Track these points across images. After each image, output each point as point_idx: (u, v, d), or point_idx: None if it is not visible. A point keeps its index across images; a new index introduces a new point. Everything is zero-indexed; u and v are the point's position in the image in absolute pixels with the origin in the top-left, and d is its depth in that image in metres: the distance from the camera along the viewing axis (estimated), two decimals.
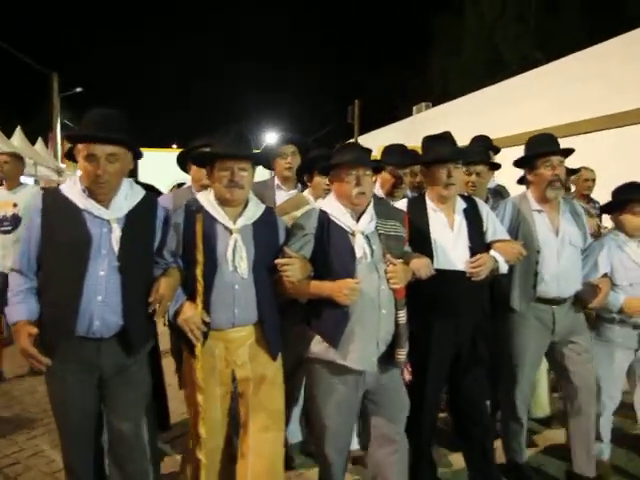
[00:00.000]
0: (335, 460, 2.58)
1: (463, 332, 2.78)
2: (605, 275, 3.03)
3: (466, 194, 3.15)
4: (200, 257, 2.31)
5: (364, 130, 22.04)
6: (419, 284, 2.57)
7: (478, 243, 2.80)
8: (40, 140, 19.19)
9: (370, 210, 2.53)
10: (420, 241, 2.72)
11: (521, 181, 3.27)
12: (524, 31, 26.68)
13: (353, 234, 2.45)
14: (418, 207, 2.84)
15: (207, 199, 2.43)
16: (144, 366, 2.39)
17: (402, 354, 2.46)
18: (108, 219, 2.24)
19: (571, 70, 11.15)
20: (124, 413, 2.33)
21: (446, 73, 28.93)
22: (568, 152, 3.01)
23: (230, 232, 2.37)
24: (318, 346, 2.47)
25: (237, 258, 2.35)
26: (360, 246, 2.43)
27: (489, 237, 2.86)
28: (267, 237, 2.47)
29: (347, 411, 2.52)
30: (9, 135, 17.61)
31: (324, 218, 2.49)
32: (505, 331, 3.05)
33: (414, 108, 17.76)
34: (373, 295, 2.40)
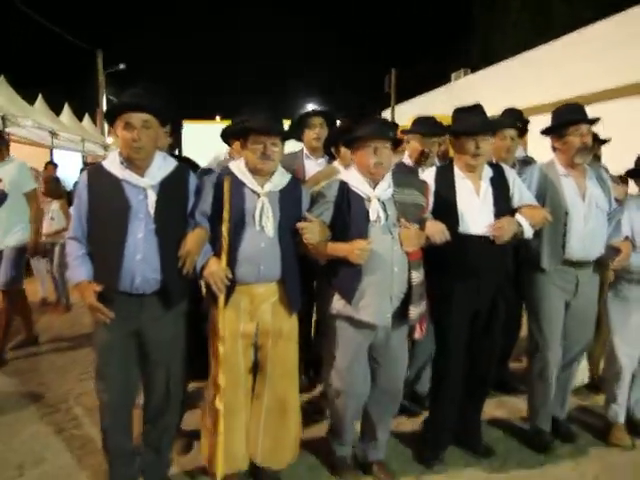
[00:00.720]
0: (352, 410, 2.79)
1: (484, 293, 2.87)
2: (627, 238, 3.06)
3: (494, 160, 3.25)
4: (227, 215, 2.49)
5: (402, 98, 21.74)
6: (445, 248, 2.69)
7: (504, 209, 2.87)
8: (87, 116, 19.79)
9: (388, 178, 2.67)
10: (446, 207, 2.83)
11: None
12: None
13: (369, 200, 2.60)
14: (446, 175, 2.93)
15: (237, 167, 2.63)
16: (179, 320, 2.61)
17: (414, 311, 2.61)
18: (144, 187, 2.49)
19: (619, 31, 10.66)
20: (158, 358, 2.57)
21: (489, 38, 28.04)
22: (594, 121, 3.04)
23: (258, 195, 2.56)
24: (338, 303, 2.63)
25: (264, 219, 2.53)
26: (375, 210, 2.58)
27: (516, 202, 2.93)
28: (291, 203, 2.64)
29: (363, 361, 2.72)
30: (58, 112, 18.21)
31: (344, 187, 2.64)
32: (532, 292, 3.12)
33: (452, 75, 17.40)
34: (386, 255, 2.55)
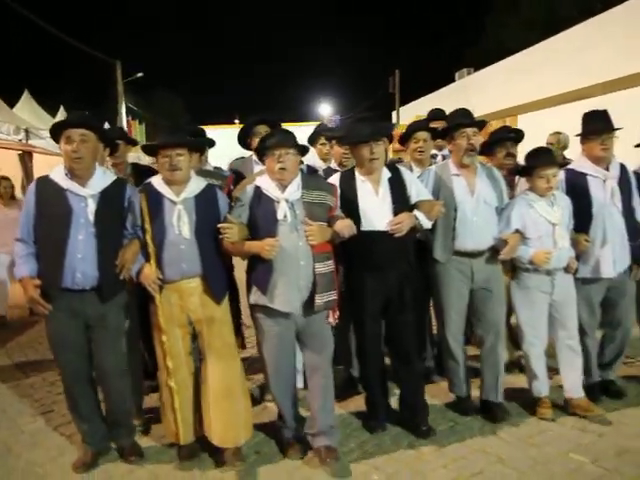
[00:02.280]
0: (281, 392, 3.13)
1: (391, 283, 3.23)
2: (517, 231, 3.37)
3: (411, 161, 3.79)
4: (147, 226, 2.93)
5: (408, 99, 21.98)
6: (352, 245, 3.08)
7: (402, 206, 3.22)
8: (106, 124, 20.56)
9: (296, 181, 3.01)
10: (349, 207, 3.19)
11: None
12: None
13: (278, 201, 2.96)
14: (348, 179, 3.30)
15: (157, 180, 3.05)
16: (121, 314, 3.05)
17: (319, 300, 2.96)
18: (85, 195, 2.91)
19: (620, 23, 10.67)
20: (105, 353, 3.00)
21: (495, 38, 27.98)
22: (482, 124, 3.40)
23: (175, 203, 2.97)
24: (255, 294, 3.02)
25: (181, 224, 2.94)
26: (282, 210, 2.93)
27: (413, 199, 3.29)
28: (207, 207, 3.03)
29: (283, 348, 3.06)
30: None
31: (258, 191, 3.02)
32: (432, 280, 3.50)
33: (456, 74, 17.57)
34: (293, 250, 2.91)
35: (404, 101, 22.31)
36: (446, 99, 16.97)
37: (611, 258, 3.44)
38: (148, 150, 3.17)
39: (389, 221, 3.16)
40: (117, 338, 3.05)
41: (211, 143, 4.14)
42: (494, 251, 3.39)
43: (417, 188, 3.32)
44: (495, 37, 28.15)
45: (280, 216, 2.93)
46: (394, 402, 3.53)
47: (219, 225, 2.92)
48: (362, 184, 3.26)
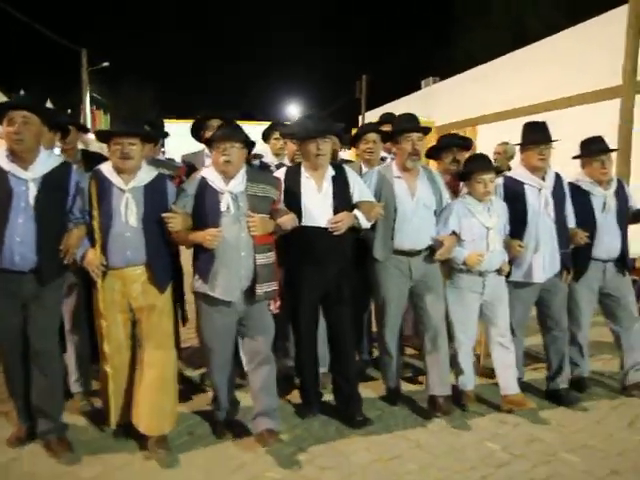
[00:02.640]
0: (219, 376, 3.21)
1: (329, 277, 3.34)
2: (453, 232, 3.51)
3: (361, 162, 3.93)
4: (95, 212, 2.96)
5: (374, 105, 22.22)
6: (293, 238, 3.18)
7: (343, 204, 3.33)
8: (69, 113, 20.21)
9: (241, 174, 3.09)
10: (292, 202, 3.29)
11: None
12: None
13: (222, 193, 3.03)
14: (293, 174, 3.39)
15: (107, 167, 3.07)
16: (56, 296, 3.07)
17: (260, 289, 3.05)
18: (26, 179, 2.89)
19: (579, 40, 10.97)
20: (39, 333, 2.99)
21: (463, 47, 28.54)
22: (426, 130, 3.55)
23: (123, 191, 3.01)
24: (197, 282, 3.10)
25: (128, 212, 2.98)
26: (225, 202, 3.01)
27: (355, 199, 3.40)
28: (155, 197, 3.07)
29: (223, 334, 3.13)
30: None
31: (203, 182, 3.08)
32: (372, 278, 3.61)
33: (422, 82, 17.91)
34: (234, 241, 2.99)
35: (371, 106, 22.54)
36: (411, 106, 17.25)
37: (542, 264, 3.61)
38: (101, 136, 3.18)
39: (329, 219, 3.27)
40: (51, 319, 3.05)
41: (164, 135, 4.16)
42: (431, 251, 3.53)
43: (360, 188, 3.43)
44: (463, 47, 28.73)
45: (223, 207, 3.01)
46: (329, 395, 3.67)
47: (163, 215, 2.98)
48: (306, 180, 3.35)
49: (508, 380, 3.59)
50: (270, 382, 3.19)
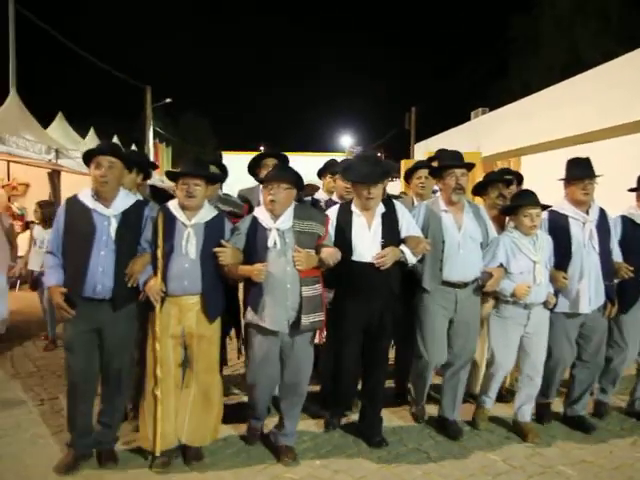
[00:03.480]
0: (261, 400, 3.42)
1: (373, 310, 3.46)
2: (501, 265, 3.58)
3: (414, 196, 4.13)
4: (160, 242, 3.20)
5: (424, 135, 22.29)
6: (342, 273, 3.35)
7: (391, 240, 3.45)
8: (133, 146, 21.31)
9: (288, 212, 3.29)
10: (343, 238, 3.45)
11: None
12: (605, 27, 25.74)
13: (270, 230, 3.24)
14: (345, 212, 3.55)
15: (173, 204, 3.33)
16: (131, 322, 3.30)
17: (305, 320, 3.20)
18: (108, 215, 3.23)
19: (621, 72, 10.92)
20: (113, 351, 3.25)
21: (521, 77, 28.35)
22: (470, 166, 3.66)
23: (186, 226, 3.26)
24: (249, 313, 3.28)
25: (189, 245, 3.22)
26: (272, 238, 3.21)
27: (403, 233, 3.52)
28: (213, 233, 3.29)
29: (269, 362, 3.31)
30: None
31: (254, 220, 3.31)
32: (418, 307, 3.69)
33: (472, 113, 17.89)
34: (280, 274, 3.17)
35: (422, 137, 22.64)
36: (460, 137, 17.29)
37: (587, 295, 3.63)
38: (171, 176, 3.47)
39: (375, 254, 3.39)
40: (125, 344, 3.31)
41: (224, 178, 4.37)
42: (479, 285, 3.62)
43: (408, 223, 3.55)
44: (519, 78, 28.51)
45: (270, 244, 3.21)
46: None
47: (215, 249, 3.20)
48: (357, 218, 3.50)
49: (525, 410, 3.78)
50: (297, 410, 3.47)
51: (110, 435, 3.39)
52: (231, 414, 3.73)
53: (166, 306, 3.25)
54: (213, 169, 3.79)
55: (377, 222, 3.50)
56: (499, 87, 28.04)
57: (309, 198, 4.48)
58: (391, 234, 3.49)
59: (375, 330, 3.50)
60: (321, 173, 4.64)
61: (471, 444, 3.60)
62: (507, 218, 3.96)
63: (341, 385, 3.65)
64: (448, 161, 3.69)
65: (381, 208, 3.54)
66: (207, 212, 3.37)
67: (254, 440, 3.56)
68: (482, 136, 15.45)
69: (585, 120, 11.10)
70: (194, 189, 3.25)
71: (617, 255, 3.81)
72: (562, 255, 3.68)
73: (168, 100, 24.26)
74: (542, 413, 3.98)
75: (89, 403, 3.32)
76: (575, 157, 3.84)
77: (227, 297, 3.49)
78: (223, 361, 3.83)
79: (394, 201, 3.69)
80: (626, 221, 3.92)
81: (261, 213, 3.33)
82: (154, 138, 23.02)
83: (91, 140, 18.14)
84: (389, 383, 4.30)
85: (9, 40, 15.00)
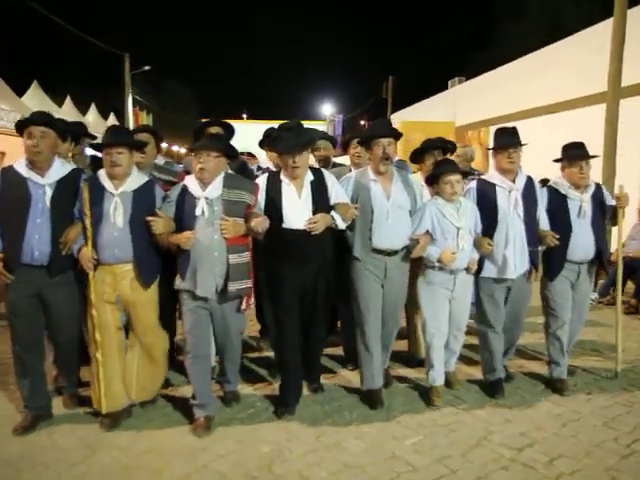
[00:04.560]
0: (195, 367, 3.43)
1: (307, 276, 3.52)
2: (427, 232, 3.65)
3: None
4: (88, 212, 3.25)
5: (404, 104, 22.09)
6: (272, 241, 3.40)
7: (321, 207, 3.49)
8: (112, 115, 21.01)
9: (218, 181, 3.31)
10: (273, 207, 3.48)
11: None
12: None
13: (199, 198, 3.27)
14: (274, 181, 3.56)
15: (102, 173, 3.36)
16: (69, 287, 3.37)
17: (232, 287, 3.27)
18: (43, 184, 3.26)
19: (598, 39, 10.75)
20: (56, 320, 3.36)
21: (501, 45, 27.98)
22: (396, 135, 3.69)
23: (113, 195, 3.29)
24: (178, 279, 3.35)
25: (116, 214, 3.26)
26: (200, 207, 3.25)
27: (332, 201, 3.56)
28: (143, 201, 3.33)
29: (199, 326, 3.39)
30: (84, 112, 19.35)
31: (184, 189, 3.34)
32: (350, 275, 3.75)
33: (449, 82, 17.76)
34: (207, 243, 3.23)
35: (401, 106, 22.45)
36: (435, 107, 17.20)
37: (513, 261, 3.73)
38: (95, 147, 3.49)
39: (307, 220, 3.44)
40: (68, 310, 3.39)
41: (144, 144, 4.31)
42: (407, 251, 3.69)
43: (336, 191, 3.59)
44: (500, 46, 28.13)
45: (198, 212, 3.25)
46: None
47: (147, 218, 3.23)
48: (287, 187, 3.52)
49: (450, 362, 4.00)
50: (235, 361, 3.66)
51: (69, 381, 3.61)
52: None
53: (100, 273, 3.31)
54: (146, 136, 3.81)
55: (307, 190, 3.53)
56: (480, 56, 27.72)
57: (254, 166, 4.51)
58: (321, 201, 3.53)
59: (310, 296, 3.58)
60: (262, 143, 4.65)
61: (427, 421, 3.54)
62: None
63: (286, 361, 3.66)
64: (375, 131, 3.72)
65: (309, 176, 3.57)
66: (135, 180, 3.39)
67: (203, 432, 3.36)
68: (458, 106, 15.38)
69: (561, 88, 11.05)
70: (117, 157, 3.27)
71: (544, 223, 3.88)
72: (489, 222, 3.75)
73: (147, 68, 23.83)
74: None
75: (37, 366, 3.41)
76: (502, 126, 3.89)
77: None
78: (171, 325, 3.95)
79: (322, 170, 3.73)
80: (552, 191, 3.98)
81: (191, 182, 3.35)
82: (134, 106, 22.66)
83: (68, 108, 17.88)
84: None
85: None
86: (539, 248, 3.89)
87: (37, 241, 3.20)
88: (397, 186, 3.71)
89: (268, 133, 4.68)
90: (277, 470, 2.95)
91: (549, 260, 3.97)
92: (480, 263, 3.80)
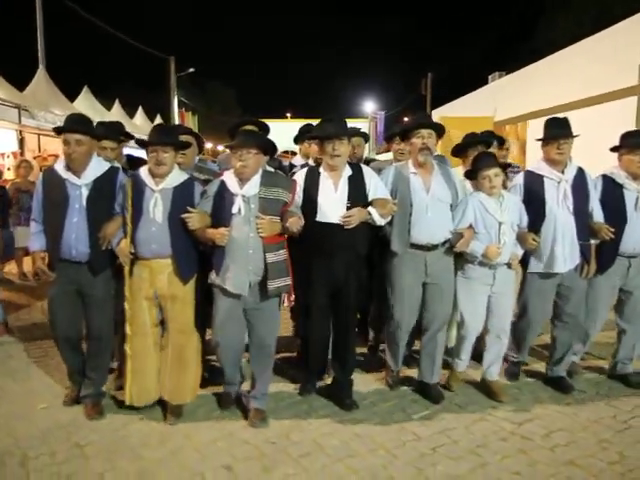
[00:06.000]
0: (228, 359, 3.41)
1: (336, 268, 3.41)
2: (470, 226, 3.47)
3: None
4: (129, 207, 3.24)
5: (442, 101, 21.50)
6: (306, 235, 3.29)
7: (358, 202, 3.37)
8: (159, 117, 21.38)
9: (255, 179, 3.22)
10: (309, 200, 3.39)
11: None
12: None
13: (236, 196, 3.19)
14: (313, 174, 3.48)
15: (144, 170, 3.33)
16: (107, 283, 3.39)
17: (271, 285, 3.18)
18: (80, 185, 3.28)
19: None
20: (92, 313, 3.37)
21: (547, 36, 27.00)
22: (437, 127, 3.52)
23: (153, 191, 3.26)
24: (212, 274, 3.28)
25: (156, 210, 3.23)
26: (237, 205, 3.16)
27: (370, 196, 3.43)
28: (182, 198, 3.28)
29: (232, 322, 3.30)
30: (132, 115, 19.76)
31: (222, 185, 3.26)
32: (388, 270, 3.62)
33: (489, 77, 17.24)
34: (242, 240, 3.14)
35: (441, 102, 21.91)
36: (474, 103, 16.75)
37: (562, 255, 3.52)
38: (140, 144, 3.45)
39: (341, 214, 3.33)
40: (104, 305, 3.40)
41: (189, 145, 4.27)
42: (449, 246, 3.51)
43: (375, 186, 3.45)
44: (545, 37, 27.18)
45: (235, 210, 3.17)
46: None
47: (183, 215, 3.18)
48: (324, 179, 3.43)
49: (493, 368, 3.72)
50: (267, 373, 3.45)
51: (94, 389, 3.50)
52: None
53: (138, 268, 3.29)
54: (189, 138, 3.76)
55: (343, 184, 3.42)
56: (523, 49, 26.83)
57: (287, 163, 4.41)
58: (358, 196, 3.41)
59: (341, 291, 3.46)
60: (297, 139, 4.54)
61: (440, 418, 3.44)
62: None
63: (312, 352, 3.63)
64: (415, 122, 3.55)
65: (348, 171, 3.46)
66: (176, 177, 3.35)
67: (228, 405, 3.52)
68: (498, 101, 14.94)
69: (596, 83, 10.56)
70: (162, 157, 3.24)
71: (598, 215, 3.65)
72: (536, 215, 3.55)
73: (191, 70, 24.17)
74: (513, 372, 3.94)
75: (76, 351, 3.49)
76: (553, 117, 3.66)
77: None
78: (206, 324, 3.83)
79: (362, 165, 3.60)
80: (607, 180, 3.73)
81: (229, 178, 3.27)
82: (179, 107, 23.01)
83: (117, 111, 18.30)
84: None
85: (37, 19, 15.13)
86: (592, 242, 3.64)
87: (74, 240, 3.24)
88: (437, 179, 3.54)
89: (303, 129, 4.60)
90: (294, 437, 3.17)
91: (601, 253, 3.71)
92: (525, 258, 3.60)
